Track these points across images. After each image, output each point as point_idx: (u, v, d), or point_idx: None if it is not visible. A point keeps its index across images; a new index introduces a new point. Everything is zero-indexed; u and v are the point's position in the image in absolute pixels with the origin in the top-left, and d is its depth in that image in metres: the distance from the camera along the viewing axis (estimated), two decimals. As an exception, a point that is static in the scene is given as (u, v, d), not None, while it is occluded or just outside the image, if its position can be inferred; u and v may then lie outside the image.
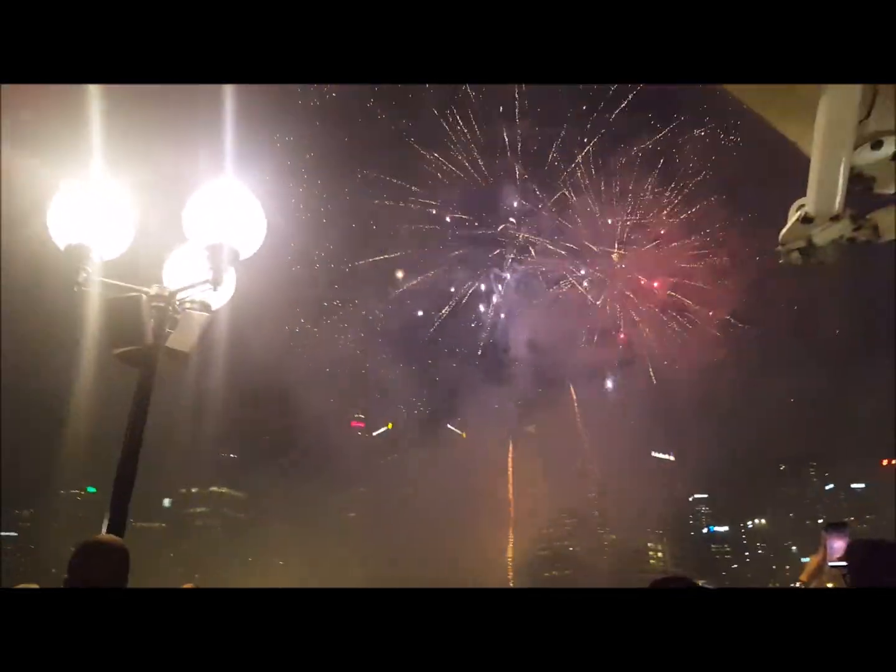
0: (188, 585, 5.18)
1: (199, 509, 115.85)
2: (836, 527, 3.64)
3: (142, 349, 4.49)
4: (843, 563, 3.32)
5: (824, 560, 3.54)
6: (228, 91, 5.52)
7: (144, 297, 4.61)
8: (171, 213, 4.61)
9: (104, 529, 3.98)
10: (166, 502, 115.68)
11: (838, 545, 3.50)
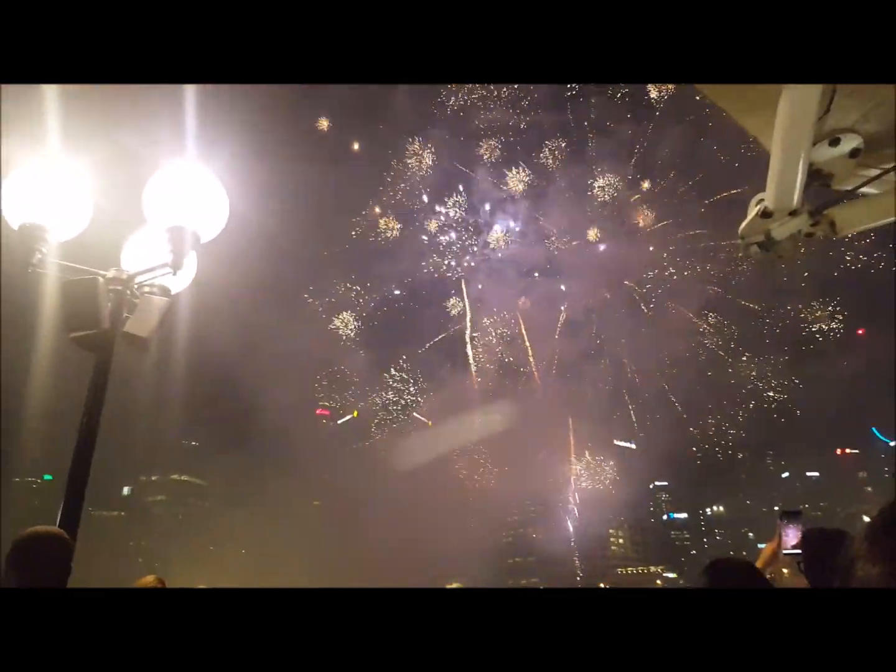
0: (150, 577, 5.11)
1: (159, 497, 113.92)
2: (790, 515, 3.69)
3: (98, 333, 4.39)
4: (798, 551, 3.40)
5: (779, 547, 3.60)
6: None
7: (101, 280, 4.50)
8: (131, 193, 4.51)
9: (59, 518, 3.90)
10: (125, 490, 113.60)
11: (793, 533, 3.57)
